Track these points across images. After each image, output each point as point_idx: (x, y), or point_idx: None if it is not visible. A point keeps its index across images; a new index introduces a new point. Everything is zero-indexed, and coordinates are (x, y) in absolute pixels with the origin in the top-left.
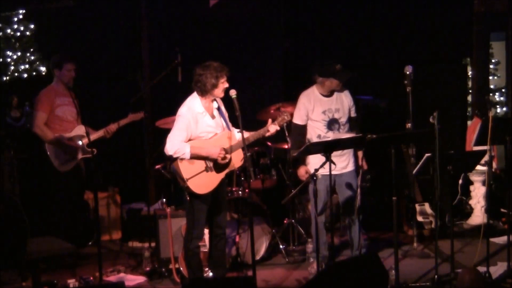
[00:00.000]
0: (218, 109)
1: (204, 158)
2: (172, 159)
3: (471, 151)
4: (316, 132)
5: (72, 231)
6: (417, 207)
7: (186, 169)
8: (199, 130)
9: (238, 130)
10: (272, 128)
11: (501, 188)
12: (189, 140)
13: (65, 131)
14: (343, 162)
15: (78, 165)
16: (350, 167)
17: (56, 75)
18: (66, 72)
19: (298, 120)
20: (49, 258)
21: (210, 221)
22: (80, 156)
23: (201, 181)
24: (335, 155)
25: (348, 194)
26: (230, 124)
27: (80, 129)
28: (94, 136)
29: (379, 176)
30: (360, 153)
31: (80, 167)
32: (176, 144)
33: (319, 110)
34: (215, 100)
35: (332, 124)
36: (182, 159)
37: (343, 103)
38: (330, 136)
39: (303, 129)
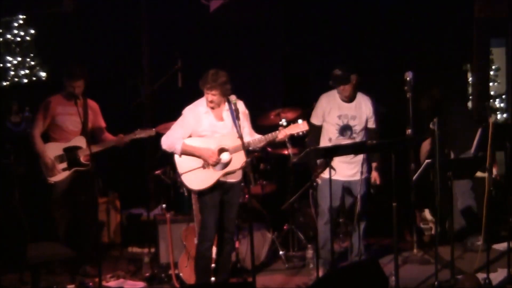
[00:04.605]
0: (231, 111)
1: (197, 157)
2: (168, 153)
3: (472, 157)
4: (328, 135)
5: (71, 238)
6: (417, 212)
7: (182, 164)
8: (201, 128)
9: (238, 136)
10: (282, 133)
11: (501, 194)
12: (189, 137)
13: (64, 141)
14: (352, 170)
15: (73, 176)
16: (359, 176)
17: (65, 84)
18: (71, 88)
19: (314, 120)
20: (48, 263)
21: (218, 224)
22: (63, 174)
23: (196, 177)
24: (344, 162)
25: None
26: (240, 127)
27: (79, 140)
28: (106, 145)
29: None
30: (374, 165)
31: (77, 177)
32: (170, 139)
33: (335, 113)
34: (227, 102)
35: (344, 130)
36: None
37: (361, 111)
38: (340, 141)
39: (319, 130)
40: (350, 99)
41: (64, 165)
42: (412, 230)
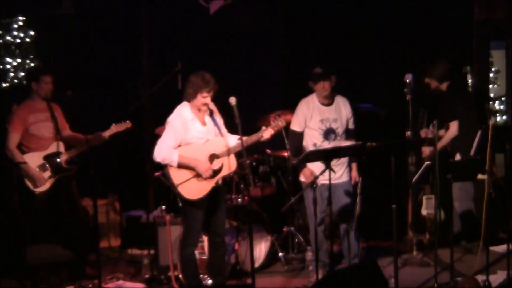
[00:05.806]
0: (211, 115)
1: (192, 169)
2: (162, 165)
3: (472, 159)
4: (312, 140)
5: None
6: (424, 200)
7: (177, 175)
8: (189, 136)
9: (238, 137)
10: (267, 133)
11: (501, 196)
12: (179, 146)
13: (42, 149)
14: (337, 173)
15: (59, 182)
16: (345, 177)
17: (33, 88)
18: (43, 85)
19: (296, 126)
20: (48, 265)
21: (208, 229)
22: (49, 182)
23: (192, 187)
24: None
25: (342, 203)
26: (223, 130)
27: (56, 146)
28: (79, 149)
29: (379, 184)
30: (354, 165)
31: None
32: (164, 150)
33: (317, 118)
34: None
35: (328, 133)
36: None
37: (341, 113)
38: (326, 145)
39: (300, 136)
40: (329, 101)
41: (48, 173)
42: (414, 229)
